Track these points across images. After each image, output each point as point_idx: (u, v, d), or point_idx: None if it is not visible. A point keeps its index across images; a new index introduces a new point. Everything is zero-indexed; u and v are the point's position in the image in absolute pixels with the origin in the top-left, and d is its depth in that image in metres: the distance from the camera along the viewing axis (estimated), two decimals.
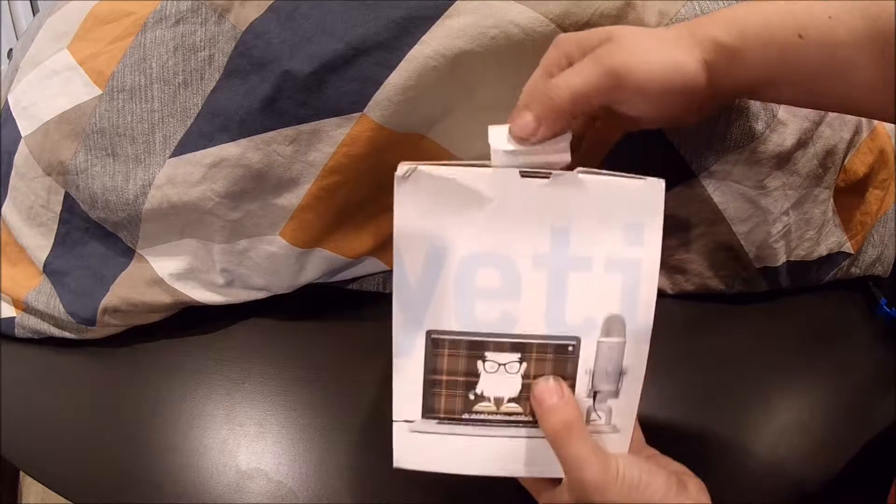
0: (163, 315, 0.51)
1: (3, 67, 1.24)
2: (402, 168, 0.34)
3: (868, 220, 0.55)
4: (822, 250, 0.54)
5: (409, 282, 0.35)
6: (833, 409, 0.49)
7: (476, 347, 0.35)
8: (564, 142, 0.35)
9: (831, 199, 0.53)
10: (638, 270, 0.34)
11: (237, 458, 0.44)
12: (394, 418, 0.36)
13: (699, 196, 0.49)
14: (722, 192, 0.49)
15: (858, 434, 0.47)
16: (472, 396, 0.36)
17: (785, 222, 0.51)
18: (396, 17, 0.43)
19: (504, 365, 0.36)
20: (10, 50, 1.26)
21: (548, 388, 0.35)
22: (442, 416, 0.36)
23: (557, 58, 0.36)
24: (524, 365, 0.36)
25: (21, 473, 0.88)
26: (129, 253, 0.51)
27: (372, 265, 0.52)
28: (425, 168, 0.34)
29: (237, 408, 0.47)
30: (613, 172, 0.34)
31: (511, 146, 0.34)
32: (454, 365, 0.36)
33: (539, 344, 0.35)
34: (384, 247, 0.51)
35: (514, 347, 0.35)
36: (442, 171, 0.34)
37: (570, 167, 0.34)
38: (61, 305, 0.50)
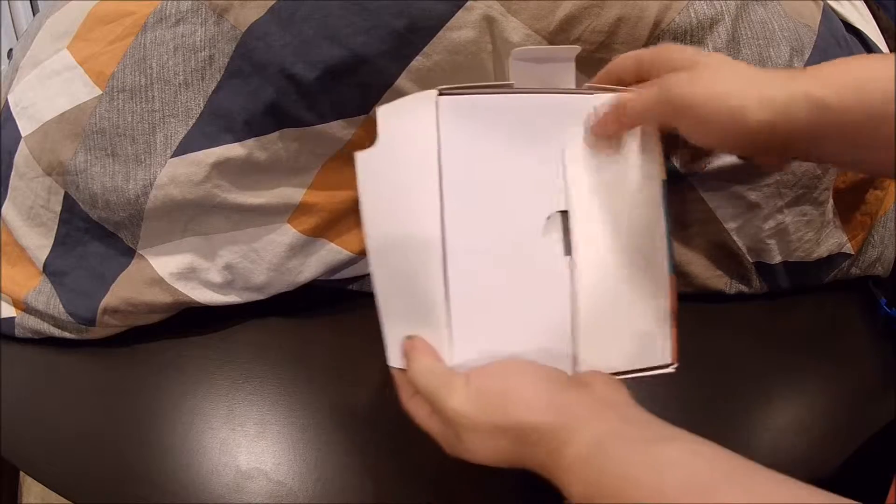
0: (163, 315, 0.51)
1: (3, 67, 1.24)
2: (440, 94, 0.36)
3: (868, 221, 0.55)
4: (822, 251, 0.54)
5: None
6: (833, 409, 0.49)
7: None
8: (569, 71, 0.39)
9: (831, 200, 0.53)
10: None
11: (237, 458, 0.44)
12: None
13: (691, 196, 0.50)
14: (712, 189, 0.49)
15: (858, 434, 0.47)
16: None
17: (779, 220, 0.51)
18: (399, 27, 0.43)
19: None
20: (10, 50, 1.26)
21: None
22: None
23: (647, 59, 0.38)
24: None
25: (21, 473, 0.88)
26: (129, 253, 0.51)
27: None
28: (460, 95, 0.37)
29: (237, 408, 0.47)
30: (619, 87, 0.38)
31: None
32: None
33: None
34: None
35: None
36: (475, 97, 0.37)
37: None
38: (61, 305, 0.50)
